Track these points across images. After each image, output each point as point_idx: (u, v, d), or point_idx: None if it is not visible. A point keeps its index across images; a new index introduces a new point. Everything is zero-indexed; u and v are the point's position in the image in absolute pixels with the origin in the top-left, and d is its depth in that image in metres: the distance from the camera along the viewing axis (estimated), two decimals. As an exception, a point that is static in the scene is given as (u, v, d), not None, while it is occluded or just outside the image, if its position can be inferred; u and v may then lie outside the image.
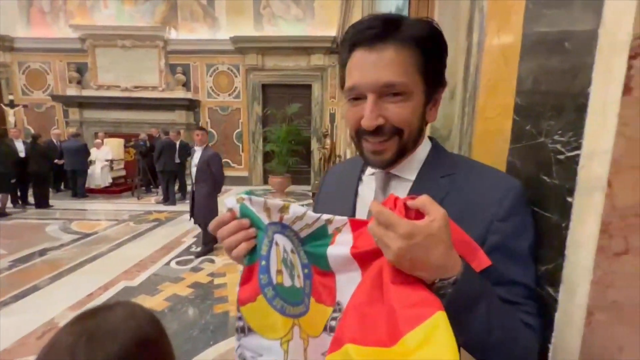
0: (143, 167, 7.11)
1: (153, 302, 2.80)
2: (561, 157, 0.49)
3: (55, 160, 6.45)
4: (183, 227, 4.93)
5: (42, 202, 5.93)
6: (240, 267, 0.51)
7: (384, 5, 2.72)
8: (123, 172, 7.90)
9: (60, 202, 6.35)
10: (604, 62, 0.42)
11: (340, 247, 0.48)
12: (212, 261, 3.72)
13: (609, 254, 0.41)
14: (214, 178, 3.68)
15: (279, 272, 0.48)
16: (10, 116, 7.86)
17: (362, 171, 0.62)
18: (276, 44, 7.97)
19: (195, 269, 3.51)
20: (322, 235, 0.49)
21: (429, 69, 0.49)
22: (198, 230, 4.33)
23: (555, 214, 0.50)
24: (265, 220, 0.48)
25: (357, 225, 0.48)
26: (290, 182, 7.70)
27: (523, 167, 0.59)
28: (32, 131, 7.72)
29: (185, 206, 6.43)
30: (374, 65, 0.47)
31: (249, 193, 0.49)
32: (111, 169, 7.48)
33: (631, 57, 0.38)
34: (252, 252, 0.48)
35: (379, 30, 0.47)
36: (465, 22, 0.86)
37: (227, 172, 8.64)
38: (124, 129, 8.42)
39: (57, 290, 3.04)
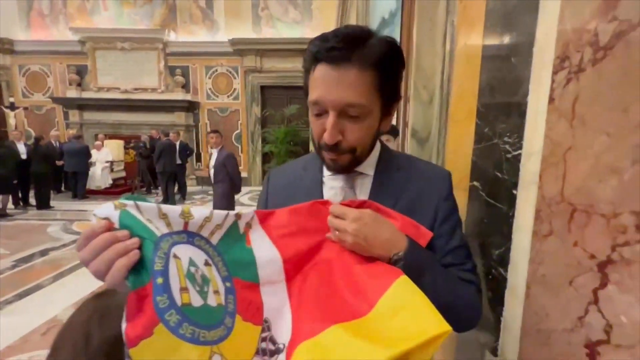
0: (143, 169, 7.18)
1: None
2: (509, 155, 0.57)
3: (56, 162, 6.52)
4: (183, 227, 4.98)
5: (43, 203, 5.99)
6: None
7: (378, 9, 2.80)
8: (123, 174, 7.97)
9: (60, 203, 6.41)
10: (536, 76, 0.50)
11: (263, 248, 0.47)
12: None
13: (539, 236, 0.49)
14: (230, 178, 3.81)
15: (184, 289, 0.37)
16: (11, 118, 7.93)
17: (321, 173, 0.63)
18: (274, 46, 8.05)
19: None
20: (235, 235, 0.46)
21: (386, 87, 0.52)
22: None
23: (505, 204, 0.58)
24: (161, 230, 0.39)
25: (264, 217, 0.49)
26: (288, 182, 7.76)
27: (482, 165, 0.67)
28: (33, 133, 7.80)
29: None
30: (337, 84, 0.49)
31: (133, 198, 0.39)
32: (111, 170, 7.54)
33: (554, 73, 0.46)
34: (138, 271, 0.36)
35: (343, 52, 0.48)
36: (442, 32, 0.94)
37: (226, 173, 8.78)
38: (123, 131, 8.48)
39: (59, 289, 3.11)
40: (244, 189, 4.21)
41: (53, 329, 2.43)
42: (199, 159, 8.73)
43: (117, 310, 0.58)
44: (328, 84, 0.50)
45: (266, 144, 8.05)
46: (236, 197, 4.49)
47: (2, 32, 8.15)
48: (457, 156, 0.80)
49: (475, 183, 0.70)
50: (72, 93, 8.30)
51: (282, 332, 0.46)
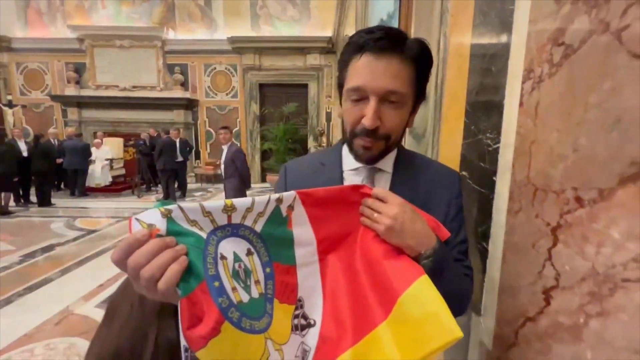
0: (143, 166, 7.24)
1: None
2: (490, 148, 0.69)
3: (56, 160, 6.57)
4: (185, 223, 5.07)
5: (44, 201, 6.05)
6: None
7: (377, 11, 2.91)
8: (123, 171, 8.02)
9: (61, 201, 6.47)
10: (510, 84, 0.62)
11: (302, 230, 0.48)
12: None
13: (512, 213, 0.61)
14: (239, 173, 3.90)
15: (234, 289, 0.40)
16: (9, 116, 7.94)
17: (341, 168, 0.66)
18: (273, 44, 8.12)
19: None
20: (278, 220, 0.47)
21: (420, 82, 0.57)
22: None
23: (487, 189, 0.70)
24: (207, 228, 0.40)
25: (306, 197, 0.49)
26: (287, 179, 7.86)
27: (470, 157, 0.79)
28: (31, 131, 7.82)
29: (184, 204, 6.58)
30: (382, 73, 0.52)
31: (167, 203, 0.39)
32: (111, 167, 7.59)
33: (523, 82, 0.58)
34: (186, 277, 0.37)
35: (389, 43, 0.52)
36: (436, 41, 1.05)
37: (225, 171, 8.85)
38: (122, 129, 8.52)
39: (68, 282, 3.20)
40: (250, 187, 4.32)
41: (65, 320, 2.53)
42: (198, 157, 8.80)
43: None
44: (373, 71, 0.52)
45: (265, 141, 8.14)
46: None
47: (-1, 29, 8.14)
48: (449, 150, 0.92)
49: (464, 173, 0.82)
50: (71, 91, 8.32)
51: (314, 308, 0.49)
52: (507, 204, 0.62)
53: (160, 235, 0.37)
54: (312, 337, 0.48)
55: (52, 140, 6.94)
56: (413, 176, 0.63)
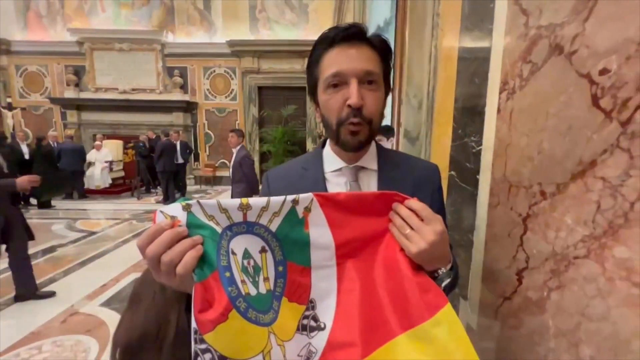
0: (143, 168, 7.29)
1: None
2: (474, 150, 0.78)
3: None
4: (185, 225, 5.13)
5: (45, 203, 6.09)
6: None
7: (374, 17, 3.00)
8: (122, 173, 8.06)
9: (60, 203, 6.51)
10: (490, 94, 0.70)
11: (320, 232, 0.48)
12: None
13: (492, 207, 0.69)
14: (247, 179, 3.77)
15: (243, 282, 0.43)
16: (9, 119, 7.96)
17: (323, 170, 0.65)
18: (272, 47, 8.23)
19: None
20: (293, 221, 0.47)
21: (386, 72, 0.60)
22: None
23: (471, 186, 0.79)
24: (223, 223, 0.43)
25: (324, 200, 0.48)
26: (286, 181, 7.94)
27: (457, 158, 0.88)
28: (30, 133, 7.86)
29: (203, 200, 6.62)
30: (357, 56, 0.55)
31: (187, 199, 0.43)
32: (110, 170, 7.64)
33: (500, 92, 0.66)
34: (200, 265, 0.40)
35: (357, 32, 0.56)
36: (428, 52, 1.14)
37: (224, 173, 8.92)
38: (122, 131, 8.57)
39: (71, 282, 3.26)
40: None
41: (70, 318, 2.59)
42: (197, 159, 8.86)
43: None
44: (348, 57, 0.55)
45: (264, 143, 8.22)
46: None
47: (-1, 32, 8.18)
48: (440, 152, 1.01)
49: (452, 172, 0.91)
50: (70, 93, 8.36)
51: (326, 312, 0.49)
52: (488, 199, 0.71)
53: (180, 226, 0.41)
54: (320, 340, 0.48)
55: (51, 143, 6.98)
56: (398, 173, 0.63)
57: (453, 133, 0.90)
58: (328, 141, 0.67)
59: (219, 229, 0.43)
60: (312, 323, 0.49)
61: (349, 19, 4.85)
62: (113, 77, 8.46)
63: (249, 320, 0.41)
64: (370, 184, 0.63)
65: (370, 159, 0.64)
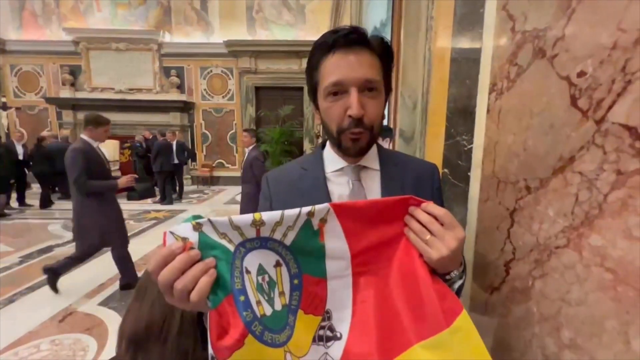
0: (139, 168, 7.28)
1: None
2: (465, 149, 0.81)
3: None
4: (182, 224, 5.13)
5: (46, 203, 6.07)
6: None
7: (371, 18, 3.04)
8: (118, 173, 8.03)
9: (56, 203, 6.46)
10: (480, 94, 0.74)
11: (335, 243, 0.46)
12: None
13: (482, 202, 0.73)
14: (256, 180, 3.69)
15: (258, 302, 0.42)
16: (3, 119, 7.91)
17: (324, 171, 0.65)
18: (269, 47, 8.26)
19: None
20: (308, 234, 0.45)
21: (387, 75, 0.60)
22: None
23: (463, 183, 0.82)
24: (236, 240, 0.42)
25: (340, 210, 0.46)
26: (283, 181, 7.96)
27: (450, 157, 0.91)
28: (25, 133, 7.79)
29: (182, 205, 6.64)
30: (358, 64, 0.54)
31: (198, 217, 0.41)
32: (107, 170, 7.61)
33: (489, 93, 0.70)
34: (214, 289, 0.39)
35: (357, 37, 0.55)
36: (422, 55, 1.18)
37: (222, 173, 8.92)
38: (118, 131, 8.52)
39: (70, 282, 3.25)
40: (239, 189, 4.40)
41: (68, 317, 2.59)
42: (194, 159, 8.85)
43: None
44: (349, 64, 0.54)
45: (261, 143, 8.22)
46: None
47: (-7, 31, 8.12)
48: (433, 151, 1.04)
49: (445, 170, 0.94)
50: (66, 93, 8.32)
51: (342, 322, 0.49)
52: (478, 194, 0.74)
53: (192, 249, 0.39)
54: (337, 350, 0.47)
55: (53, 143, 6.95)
56: (399, 172, 0.64)
57: (446, 132, 0.94)
58: (328, 142, 0.67)
59: (231, 247, 0.41)
60: (329, 333, 0.48)
61: (346, 19, 4.89)
62: (109, 77, 8.43)
63: (264, 343, 0.41)
64: (372, 183, 0.63)
65: (371, 159, 0.65)
